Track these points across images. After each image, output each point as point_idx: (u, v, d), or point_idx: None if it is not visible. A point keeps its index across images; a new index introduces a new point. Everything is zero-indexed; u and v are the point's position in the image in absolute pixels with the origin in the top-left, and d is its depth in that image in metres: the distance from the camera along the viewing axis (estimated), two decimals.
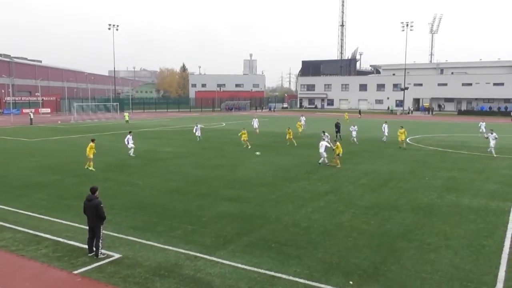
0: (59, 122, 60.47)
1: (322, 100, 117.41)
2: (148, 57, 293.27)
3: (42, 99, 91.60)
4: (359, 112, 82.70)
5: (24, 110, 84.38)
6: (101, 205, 10.68)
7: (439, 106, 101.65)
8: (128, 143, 27.84)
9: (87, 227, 10.87)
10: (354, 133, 35.06)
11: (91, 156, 22.85)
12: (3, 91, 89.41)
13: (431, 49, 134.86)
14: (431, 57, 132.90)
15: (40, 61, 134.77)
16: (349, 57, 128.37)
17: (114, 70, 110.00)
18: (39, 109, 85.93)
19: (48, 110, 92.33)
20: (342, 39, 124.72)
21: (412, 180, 19.97)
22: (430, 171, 22.39)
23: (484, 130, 40.42)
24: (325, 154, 23.93)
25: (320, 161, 24.14)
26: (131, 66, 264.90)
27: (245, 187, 18.38)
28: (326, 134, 28.39)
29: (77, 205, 14.15)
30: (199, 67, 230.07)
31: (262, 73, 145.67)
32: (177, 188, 18.27)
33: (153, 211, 14.66)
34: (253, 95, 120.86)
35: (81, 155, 27.32)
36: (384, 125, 37.31)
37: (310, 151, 29.83)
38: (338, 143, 23.92)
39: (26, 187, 18.43)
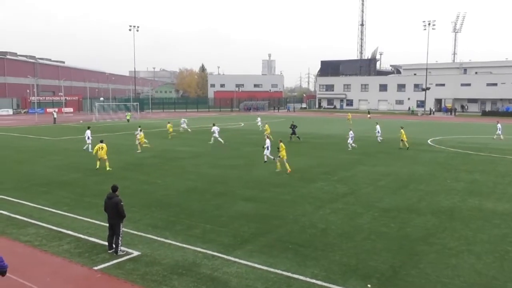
0: (81, 121, 61.57)
1: (341, 100, 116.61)
2: (167, 58, 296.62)
3: (65, 99, 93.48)
4: (368, 113, 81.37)
5: (48, 110, 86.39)
6: (121, 203, 10.85)
7: (462, 106, 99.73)
8: (87, 138, 29.54)
9: (108, 225, 11.07)
10: (350, 140, 31.42)
11: (105, 156, 22.75)
12: (28, 91, 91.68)
13: (454, 48, 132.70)
14: (453, 57, 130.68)
15: (63, 62, 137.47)
16: (369, 57, 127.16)
17: (135, 71, 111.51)
18: (62, 109, 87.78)
19: (71, 109, 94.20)
20: (362, 39, 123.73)
21: (433, 183, 19.67)
22: (452, 173, 22.02)
23: (500, 132, 39.55)
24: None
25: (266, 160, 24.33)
26: (151, 66, 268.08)
27: (262, 187, 18.42)
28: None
29: (98, 203, 14.43)
30: (218, 67, 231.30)
31: (281, 73, 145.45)
32: (194, 187, 18.43)
33: (171, 210, 14.83)
34: (271, 95, 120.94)
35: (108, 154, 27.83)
36: (377, 126, 37.43)
37: (327, 152, 29.69)
38: (281, 143, 22.60)
39: (50, 184, 18.88)
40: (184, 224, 13.27)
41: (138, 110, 77.37)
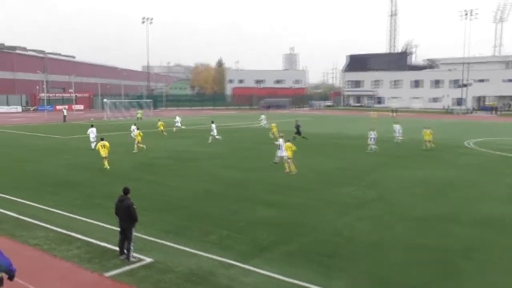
0: (92, 119, 62.68)
1: (370, 97, 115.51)
2: (182, 52, 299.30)
3: (75, 96, 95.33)
4: (393, 111, 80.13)
5: (58, 107, 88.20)
6: (133, 207, 10.96)
7: (507, 105, 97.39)
8: (92, 137, 30.44)
9: (119, 229, 11.23)
10: (371, 141, 30.84)
11: (106, 154, 23.42)
12: (37, 87, 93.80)
13: (496, 40, 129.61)
14: (496, 49, 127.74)
15: (74, 57, 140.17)
16: (401, 51, 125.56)
17: (148, 66, 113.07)
18: (73, 106, 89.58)
19: (81, 106, 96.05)
20: (393, 30, 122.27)
21: (473, 189, 19.29)
22: (494, 178, 21.55)
23: None
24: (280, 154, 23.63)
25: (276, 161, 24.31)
26: (165, 61, 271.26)
27: (283, 191, 18.40)
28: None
29: (108, 205, 14.64)
30: (237, 62, 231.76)
31: (304, 68, 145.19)
32: (211, 190, 18.54)
33: (186, 214, 14.97)
34: (294, 92, 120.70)
35: (112, 153, 28.23)
36: (395, 125, 37.24)
37: (354, 154, 29.45)
38: (289, 143, 23.06)
39: (59, 185, 19.29)
40: (199, 229, 13.37)
41: (152, 108, 78.23)
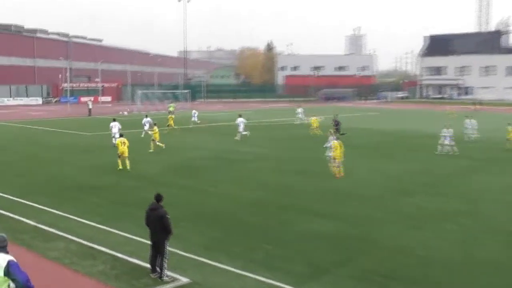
0: (121, 112, 64.48)
1: (456, 87, 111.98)
2: (226, 35, 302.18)
3: (102, 86, 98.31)
4: (474, 104, 77.58)
5: (82, 99, 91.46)
6: (167, 217, 11.12)
7: None
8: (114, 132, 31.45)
9: (150, 242, 11.47)
10: (445, 140, 30.00)
11: (126, 153, 24.14)
12: (60, 76, 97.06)
13: None
14: None
15: (100, 41, 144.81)
16: (494, 30, 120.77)
17: (185, 50, 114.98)
18: (99, 97, 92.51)
19: (109, 98, 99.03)
20: (484, 5, 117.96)
21: None
22: None
23: None
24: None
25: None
26: (205, 46, 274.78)
27: (342, 200, 18.30)
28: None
29: (137, 214, 15.00)
30: (290, 44, 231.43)
31: (372, 52, 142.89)
32: (257, 198, 18.68)
33: (228, 226, 15.15)
34: (358, 81, 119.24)
35: (143, 153, 29.00)
36: (467, 121, 36.59)
37: (431, 157, 28.76)
38: (336, 141, 23.30)
39: (81, 189, 20.05)
40: (244, 245, 13.47)
41: (189, 99, 79.39)
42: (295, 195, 19.16)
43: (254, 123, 49.40)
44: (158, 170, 24.26)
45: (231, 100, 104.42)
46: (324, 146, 25.71)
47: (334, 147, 22.85)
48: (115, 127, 32.69)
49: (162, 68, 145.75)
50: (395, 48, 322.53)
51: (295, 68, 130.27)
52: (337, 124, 37.32)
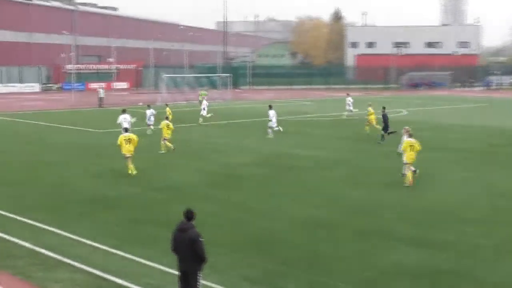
0: (141, 103, 65.26)
1: None
2: (279, 1, 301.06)
3: (117, 68, 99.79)
4: None
5: (91, 85, 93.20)
6: (200, 240, 11.16)
7: None
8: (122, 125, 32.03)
9: (178, 273, 11.56)
10: None
11: (131, 152, 24.82)
12: (62, 55, 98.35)
13: None
14: None
15: (115, 9, 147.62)
16: None
17: (225, 21, 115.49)
18: (112, 83, 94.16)
19: (125, 84, 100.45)
20: None
21: None
22: None
23: None
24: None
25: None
26: (251, 15, 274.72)
27: (438, 223, 18.09)
28: None
29: (163, 236, 15.20)
30: (364, 14, 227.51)
31: (477, 22, 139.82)
32: (321, 218, 18.61)
33: (282, 255, 15.10)
34: (457, 61, 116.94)
35: (169, 157, 29.38)
36: None
37: None
38: (410, 140, 23.67)
39: (91, 203, 20.45)
40: (303, 280, 13.42)
41: (230, 86, 79.44)
42: (372, 215, 19.01)
43: (314, 117, 49.33)
44: (189, 180, 24.51)
45: (286, 86, 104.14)
46: (399, 151, 25.36)
47: (405, 148, 23.14)
48: (126, 121, 33.50)
49: (194, 45, 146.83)
50: (508, 17, 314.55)
51: (370, 44, 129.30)
52: (385, 119, 36.73)
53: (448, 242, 16.22)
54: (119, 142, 25.23)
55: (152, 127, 39.02)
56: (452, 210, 19.66)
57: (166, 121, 31.79)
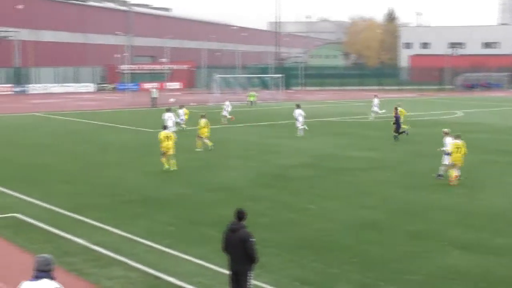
0: (193, 103, 65.94)
1: None
2: (332, 1, 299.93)
3: (170, 68, 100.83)
4: None
5: (144, 85, 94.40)
6: (252, 240, 11.19)
7: None
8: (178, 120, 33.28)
9: (229, 273, 11.63)
10: None
11: (171, 150, 25.87)
12: (117, 55, 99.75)
13: None
14: None
15: (169, 10, 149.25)
16: None
17: (277, 22, 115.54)
18: (165, 83, 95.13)
19: (178, 84, 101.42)
20: None
21: None
22: None
23: None
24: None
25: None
26: (303, 16, 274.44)
27: (491, 227, 17.80)
28: None
29: (215, 236, 15.34)
30: (419, 14, 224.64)
31: None
32: (373, 220, 18.52)
33: (332, 256, 15.08)
34: None
35: (221, 158, 29.64)
36: None
37: None
38: (458, 141, 23.62)
39: (146, 203, 20.77)
40: (355, 281, 13.38)
41: (282, 87, 79.47)
42: (424, 217, 18.84)
43: (365, 118, 49.03)
44: (241, 180, 24.66)
45: (338, 87, 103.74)
46: (442, 149, 24.84)
47: (454, 150, 23.06)
48: (171, 119, 34.24)
49: (247, 46, 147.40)
50: None
51: (424, 45, 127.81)
52: (397, 119, 36.36)
53: (502, 246, 15.93)
54: (159, 138, 26.39)
55: (183, 126, 39.86)
56: (506, 214, 19.32)
57: (205, 119, 32.44)
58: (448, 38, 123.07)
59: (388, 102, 69.78)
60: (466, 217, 18.89)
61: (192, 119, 39.55)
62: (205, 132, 32.08)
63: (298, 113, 39.22)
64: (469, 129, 39.76)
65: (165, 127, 28.06)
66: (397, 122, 36.67)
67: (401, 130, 36.81)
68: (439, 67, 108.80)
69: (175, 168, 26.04)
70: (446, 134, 24.65)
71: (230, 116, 47.62)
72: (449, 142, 23.95)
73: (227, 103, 49.69)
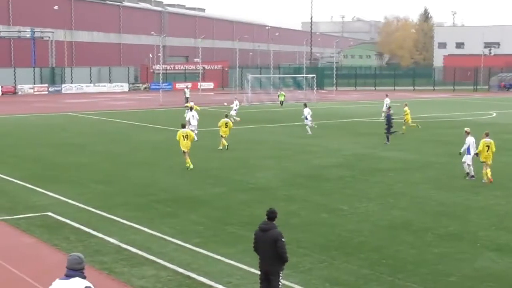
0: (226, 103, 66.00)
1: None
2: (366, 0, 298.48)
3: (203, 68, 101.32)
4: None
5: (178, 85, 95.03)
6: (282, 240, 11.16)
7: None
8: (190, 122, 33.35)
9: (260, 273, 11.60)
10: None
11: (188, 148, 26.40)
12: (150, 55, 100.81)
13: None
14: None
15: (203, 10, 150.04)
16: None
17: (311, 22, 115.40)
18: (198, 83, 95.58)
19: (211, 84, 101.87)
20: None
21: None
22: None
23: None
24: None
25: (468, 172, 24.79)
26: (337, 15, 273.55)
27: None
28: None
29: (246, 236, 15.35)
30: (454, 13, 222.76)
31: None
32: (406, 221, 18.38)
33: (363, 257, 15.00)
34: None
35: (254, 157, 29.69)
36: None
37: None
38: (487, 140, 23.91)
39: (177, 202, 20.88)
40: (386, 282, 13.28)
41: (315, 87, 79.34)
42: (458, 219, 18.68)
43: (399, 119, 48.66)
44: (274, 180, 24.66)
45: (372, 88, 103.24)
46: (462, 150, 25.04)
47: (484, 148, 23.50)
48: (194, 118, 34.51)
49: (280, 46, 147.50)
50: None
51: (460, 45, 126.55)
52: (389, 120, 35.94)
53: None
54: (177, 138, 26.71)
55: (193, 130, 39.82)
56: None
57: (226, 119, 32.81)
58: (483, 37, 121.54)
59: (419, 103, 69.13)
60: (500, 219, 18.68)
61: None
62: (224, 131, 32.40)
63: (307, 112, 39.79)
64: (502, 130, 39.25)
65: (183, 126, 28.32)
66: (388, 122, 36.30)
67: (392, 130, 36.42)
68: (473, 67, 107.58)
69: (191, 166, 26.46)
70: (468, 133, 24.90)
71: (238, 118, 45.04)
72: (471, 141, 24.32)
73: (235, 102, 49.63)
